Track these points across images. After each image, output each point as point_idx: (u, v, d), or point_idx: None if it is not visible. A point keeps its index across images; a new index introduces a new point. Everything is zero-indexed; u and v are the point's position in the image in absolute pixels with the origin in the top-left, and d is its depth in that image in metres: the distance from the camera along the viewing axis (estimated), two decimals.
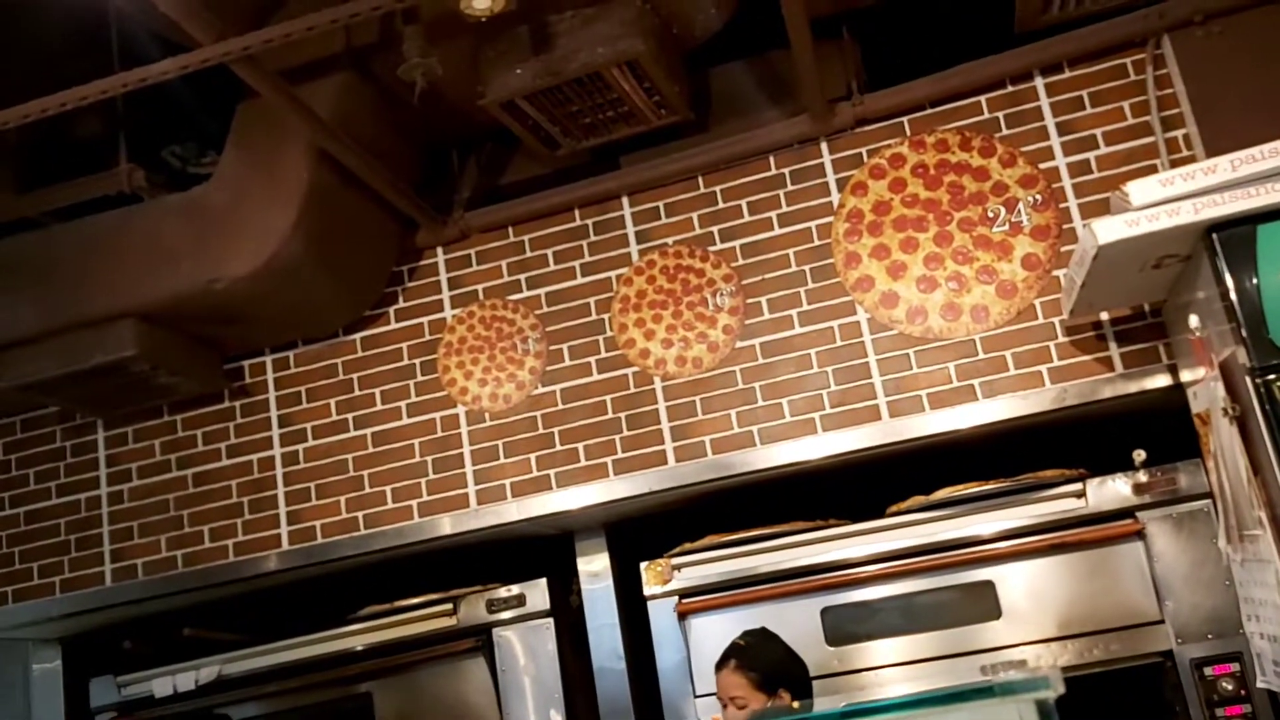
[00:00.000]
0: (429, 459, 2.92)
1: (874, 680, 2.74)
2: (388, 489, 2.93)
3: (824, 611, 2.79)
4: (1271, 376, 1.92)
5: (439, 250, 3.03)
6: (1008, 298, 2.64)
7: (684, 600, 2.86)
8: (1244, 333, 1.91)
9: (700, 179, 2.88)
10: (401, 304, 3.03)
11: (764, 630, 2.56)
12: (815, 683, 2.60)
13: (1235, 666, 2.47)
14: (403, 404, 2.95)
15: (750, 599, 2.82)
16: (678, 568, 2.88)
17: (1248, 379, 1.99)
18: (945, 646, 2.72)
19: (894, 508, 2.77)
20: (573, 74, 2.51)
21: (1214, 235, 2.07)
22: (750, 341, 2.77)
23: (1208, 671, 2.51)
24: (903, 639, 2.75)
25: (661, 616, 2.88)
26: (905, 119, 2.78)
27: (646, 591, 2.88)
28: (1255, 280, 1.97)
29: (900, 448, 2.72)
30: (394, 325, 3.02)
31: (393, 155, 2.84)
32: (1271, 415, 1.90)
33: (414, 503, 2.91)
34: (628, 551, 3.05)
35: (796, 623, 2.75)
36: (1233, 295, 2.03)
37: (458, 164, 3.11)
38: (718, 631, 2.73)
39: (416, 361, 2.98)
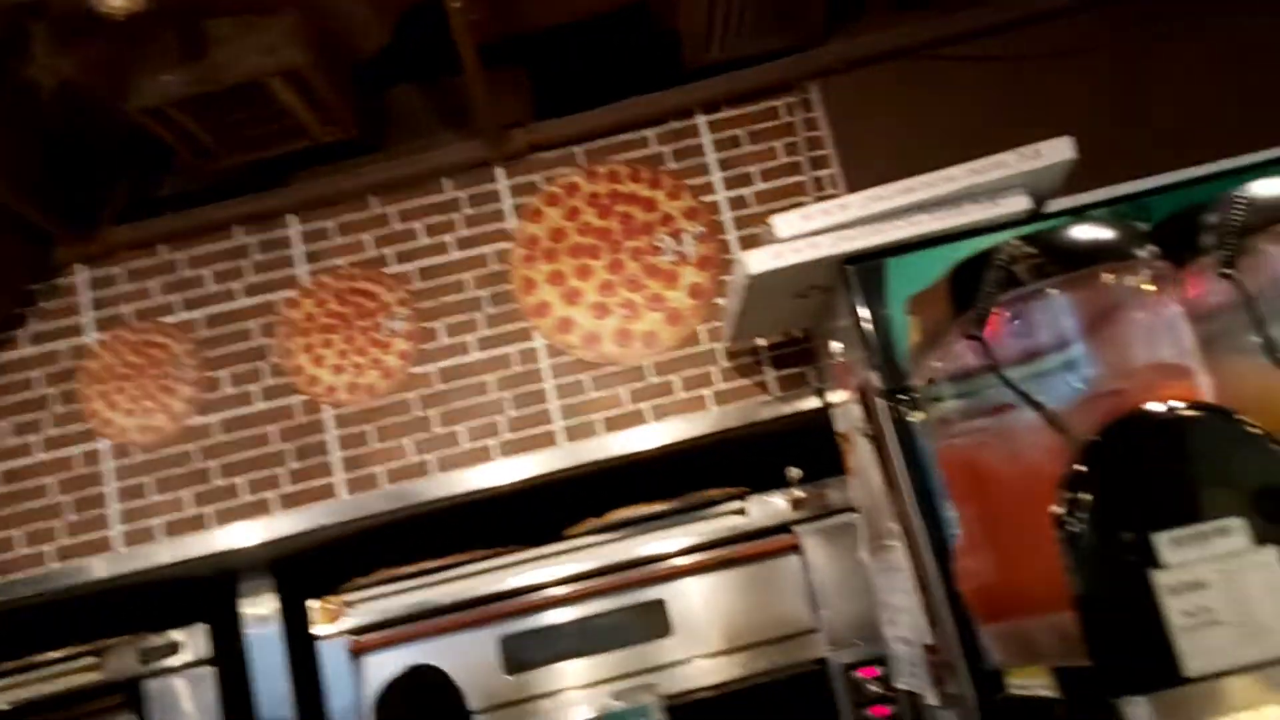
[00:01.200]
0: (68, 498, 2.65)
1: (553, 706, 2.74)
2: (17, 532, 2.63)
3: (502, 640, 2.76)
4: (900, 399, 2.08)
5: (81, 268, 2.76)
6: (676, 325, 2.73)
7: (357, 638, 2.75)
8: (876, 358, 2.06)
9: (374, 199, 2.79)
10: (35, 327, 2.74)
11: (413, 673, 2.49)
12: (496, 713, 2.58)
13: (881, 669, 2.66)
14: (34, 438, 2.67)
15: (426, 632, 2.75)
16: (350, 604, 2.76)
17: (880, 401, 2.15)
18: (622, 666, 2.77)
19: (569, 531, 2.80)
20: (230, 82, 2.36)
21: (849, 267, 2.23)
22: (426, 367, 2.71)
23: (856, 675, 2.69)
24: (581, 661, 2.77)
25: (333, 657, 2.75)
26: (579, 148, 2.82)
27: (316, 631, 2.75)
28: (885, 310, 2.13)
29: (577, 472, 2.75)
30: (25, 350, 2.73)
31: (24, 162, 2.57)
32: (900, 435, 2.05)
33: (49, 547, 2.62)
34: (299, 590, 2.90)
35: (474, 653, 2.71)
36: (865, 324, 2.19)
37: (106, 176, 2.86)
38: (394, 669, 2.64)
39: (52, 391, 2.70)
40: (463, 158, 2.78)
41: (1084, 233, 1.20)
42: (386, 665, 2.70)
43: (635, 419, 2.70)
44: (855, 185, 2.66)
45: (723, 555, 2.77)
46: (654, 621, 2.77)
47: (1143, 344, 1.16)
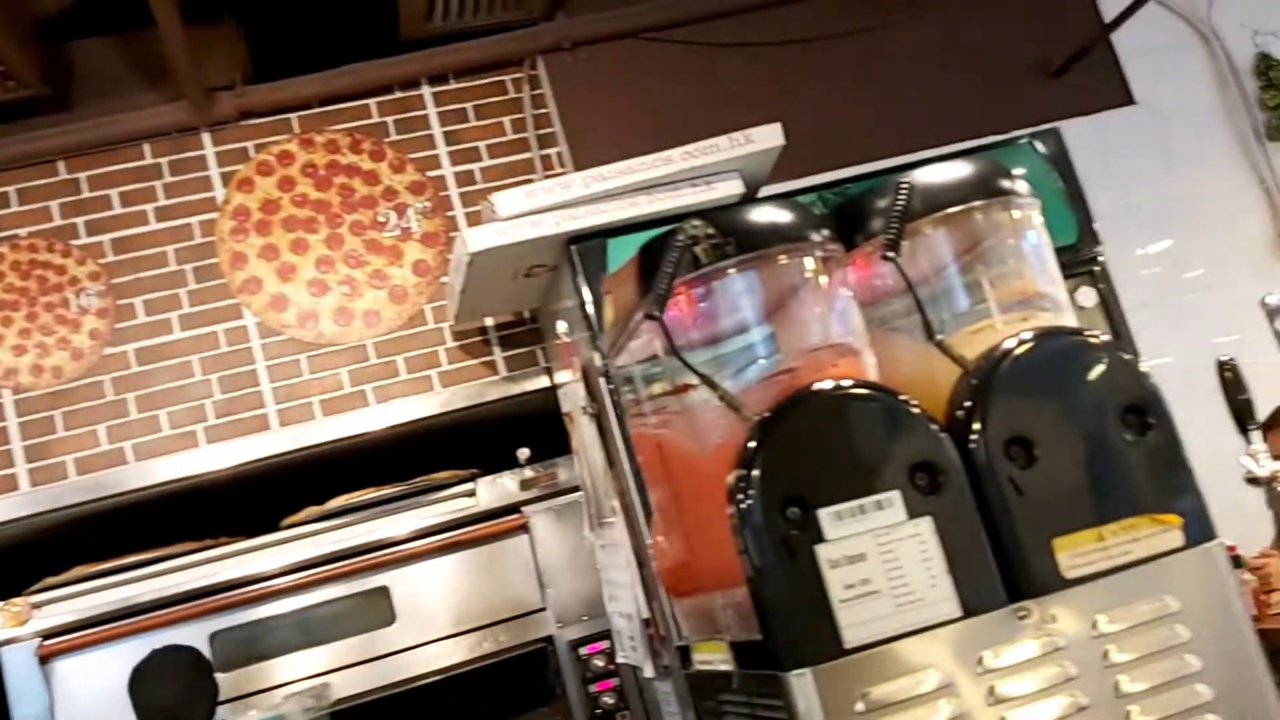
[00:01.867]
0: None
1: (269, 701, 2.60)
2: None
3: (212, 637, 2.60)
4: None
5: None
6: (399, 303, 2.64)
7: (46, 642, 2.51)
8: (597, 338, 2.06)
9: (61, 164, 2.54)
10: None
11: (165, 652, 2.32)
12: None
13: (606, 644, 2.68)
14: None
15: (126, 632, 2.54)
16: (38, 606, 2.52)
17: (601, 381, 2.15)
18: (343, 657, 2.67)
19: (288, 520, 2.66)
20: None
21: (572, 247, 2.21)
22: (122, 348, 2.50)
23: (582, 651, 2.70)
24: (300, 655, 2.64)
25: (19, 664, 2.51)
26: (294, 115, 2.67)
27: None
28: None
29: (294, 457, 2.61)
30: None
31: None
32: (619, 414, 2.06)
33: None
34: None
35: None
36: (588, 304, 2.18)
37: None
38: (89, 674, 2.44)
39: None
40: (165, 121, 2.57)
41: (762, 215, 1.22)
42: (81, 671, 2.49)
43: (356, 401, 2.59)
44: (582, 165, 2.64)
45: (451, 539, 2.71)
46: (377, 609, 2.68)
47: (815, 325, 1.20)
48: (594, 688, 2.68)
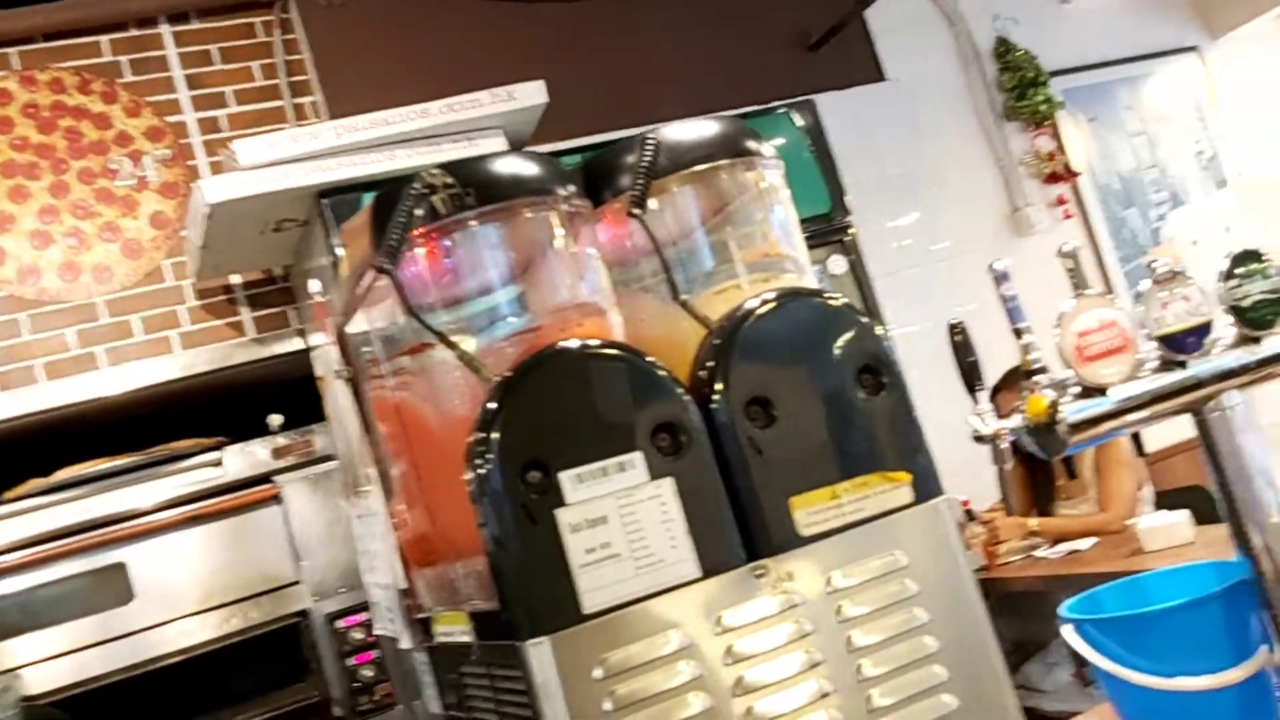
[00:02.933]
0: None
1: None
2: None
3: None
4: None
5: None
6: (134, 258, 2.43)
7: None
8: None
9: None
10: None
11: None
12: None
13: (365, 616, 2.58)
14: None
15: None
16: None
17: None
18: (77, 639, 2.46)
19: (7, 495, 2.42)
20: None
21: (324, 201, 2.08)
22: None
23: (340, 624, 2.59)
24: (24, 639, 2.42)
25: None
26: (14, 50, 2.40)
27: None
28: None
29: (15, 425, 2.38)
30: None
31: None
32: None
33: None
34: None
35: None
36: (341, 262, 2.06)
37: None
38: None
39: None
40: None
41: (505, 166, 1.16)
42: None
43: (85, 364, 2.38)
44: (339, 115, 2.50)
45: (195, 511, 2.53)
46: (114, 587, 2.48)
47: (561, 283, 1.15)
48: (353, 661, 2.57)
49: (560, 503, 1.02)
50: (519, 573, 1.01)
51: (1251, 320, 1.25)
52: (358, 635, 2.58)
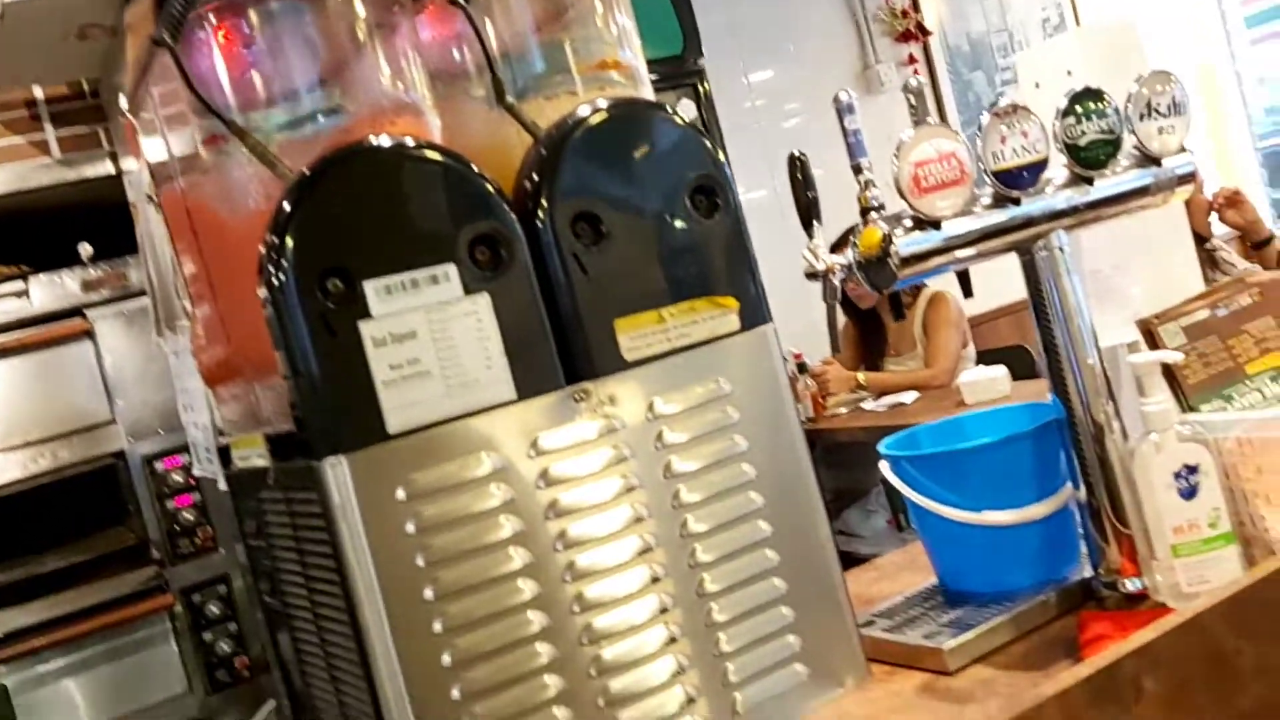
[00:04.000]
0: None
1: None
2: None
3: None
4: None
5: None
6: None
7: None
8: None
9: None
10: None
11: None
12: None
13: (185, 458, 2.45)
14: None
15: None
16: None
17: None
18: None
19: None
20: None
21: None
22: None
23: (159, 466, 2.45)
24: None
25: None
26: None
27: None
28: None
29: None
30: None
31: None
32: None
33: None
34: None
35: None
36: None
37: None
38: None
39: None
40: None
41: None
42: None
43: None
44: None
45: None
46: None
47: (373, 76, 1.03)
48: (172, 504, 2.44)
49: (364, 315, 0.93)
50: (316, 389, 0.92)
51: (1085, 160, 1.23)
52: (177, 478, 2.44)
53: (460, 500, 0.95)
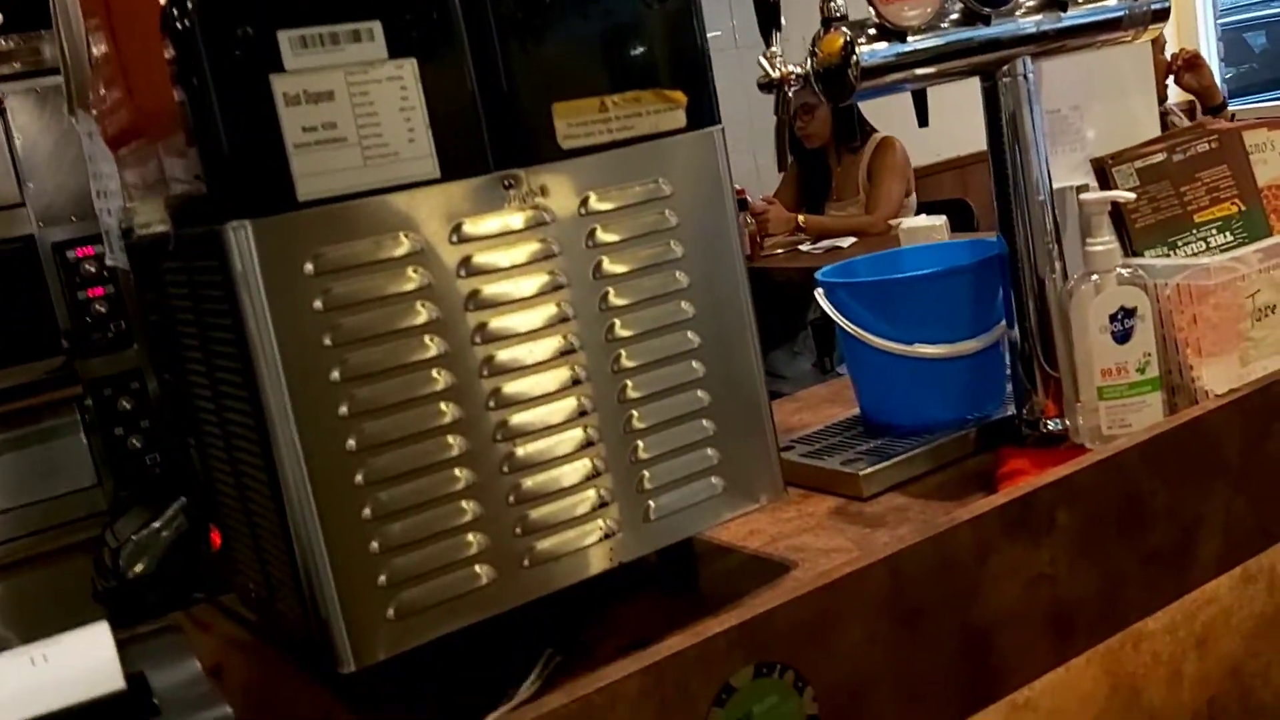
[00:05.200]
0: None
1: None
2: None
3: None
4: None
5: None
6: None
7: None
8: None
9: None
10: None
11: None
12: None
13: (98, 248, 2.33)
14: None
15: None
16: None
17: None
18: None
19: None
20: None
21: None
22: None
23: (70, 254, 2.33)
24: None
25: None
26: None
27: None
28: None
29: None
30: None
31: None
32: None
33: None
34: None
35: None
36: None
37: None
38: None
39: None
40: None
41: None
42: None
43: None
44: None
45: None
46: None
47: None
48: (84, 294, 2.34)
49: (277, 68, 0.84)
50: (221, 149, 0.83)
51: None
52: (90, 268, 2.33)
53: (373, 280, 0.88)
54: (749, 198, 3.20)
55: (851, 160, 3.24)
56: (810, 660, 0.90)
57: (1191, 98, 3.29)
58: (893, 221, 3.04)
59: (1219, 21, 5.07)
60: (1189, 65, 3.19)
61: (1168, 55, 3.20)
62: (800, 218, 3.21)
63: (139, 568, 1.66)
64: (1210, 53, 5.01)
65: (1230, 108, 3.36)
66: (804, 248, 3.17)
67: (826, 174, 3.34)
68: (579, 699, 0.80)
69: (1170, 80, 3.22)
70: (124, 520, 2.02)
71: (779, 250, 3.22)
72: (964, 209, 3.11)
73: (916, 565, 0.95)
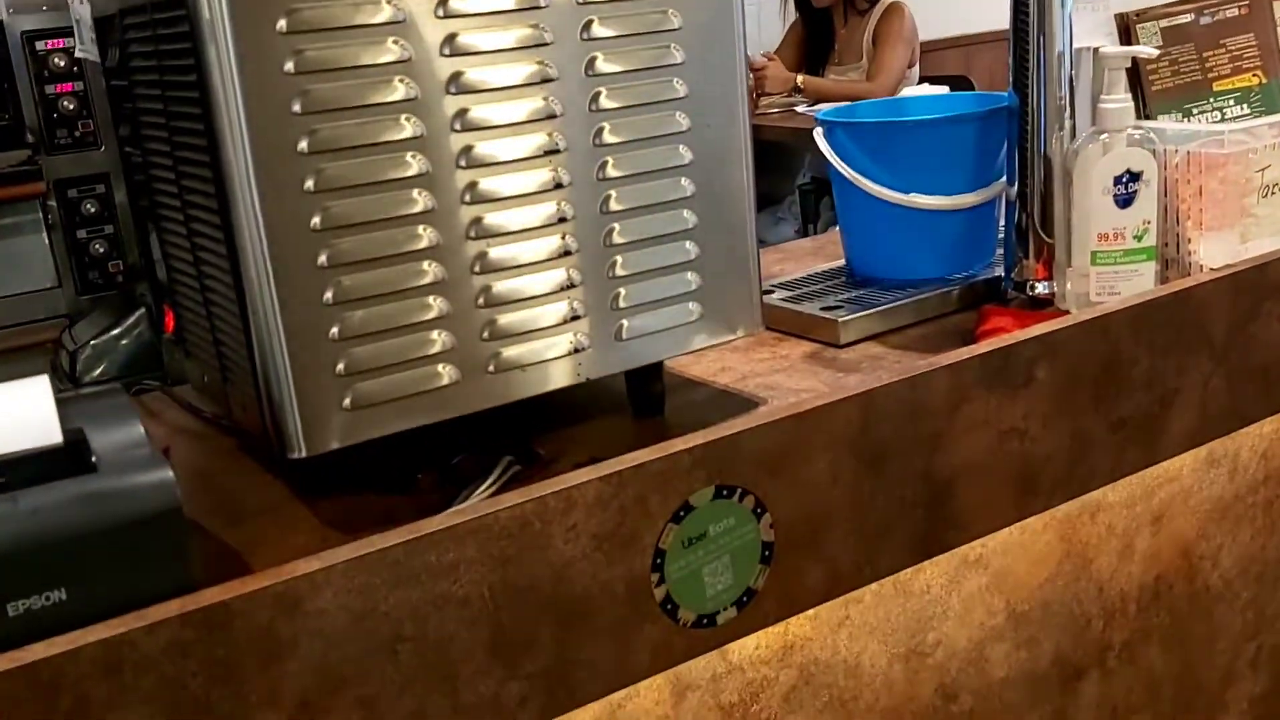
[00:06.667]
0: None
1: None
2: None
3: None
4: None
5: None
6: None
7: None
8: None
9: None
10: None
11: None
12: None
13: (69, 41, 2.21)
14: None
15: None
16: None
17: None
18: None
19: None
20: None
21: None
22: None
23: (40, 46, 2.21)
24: None
25: None
26: None
27: None
28: None
29: None
30: None
31: None
32: None
33: None
34: None
35: None
36: None
37: None
38: None
39: None
40: None
41: None
42: None
43: None
44: None
45: None
46: None
47: None
48: (52, 89, 2.23)
49: None
50: None
51: None
52: (59, 61, 2.21)
53: (349, 49, 0.82)
54: (749, 54, 3.09)
55: (858, 22, 3.12)
56: (771, 489, 0.88)
57: None
58: (893, 94, 2.95)
59: None
60: None
61: None
62: (799, 78, 3.11)
63: (96, 372, 1.62)
64: None
65: None
66: (800, 109, 3.07)
67: (830, 35, 3.22)
68: (535, 499, 0.78)
69: None
70: (83, 324, 1.97)
71: (774, 110, 3.12)
72: (965, 85, 3.01)
73: (888, 406, 0.93)
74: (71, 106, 2.22)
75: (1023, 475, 1.03)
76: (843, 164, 1.22)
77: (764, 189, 3.14)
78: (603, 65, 0.92)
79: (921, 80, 3.10)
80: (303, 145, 0.81)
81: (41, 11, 2.21)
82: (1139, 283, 1.12)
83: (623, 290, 0.97)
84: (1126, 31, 1.16)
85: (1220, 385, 1.14)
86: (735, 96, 0.99)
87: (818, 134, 1.25)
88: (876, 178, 1.20)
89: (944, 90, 2.48)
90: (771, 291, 1.27)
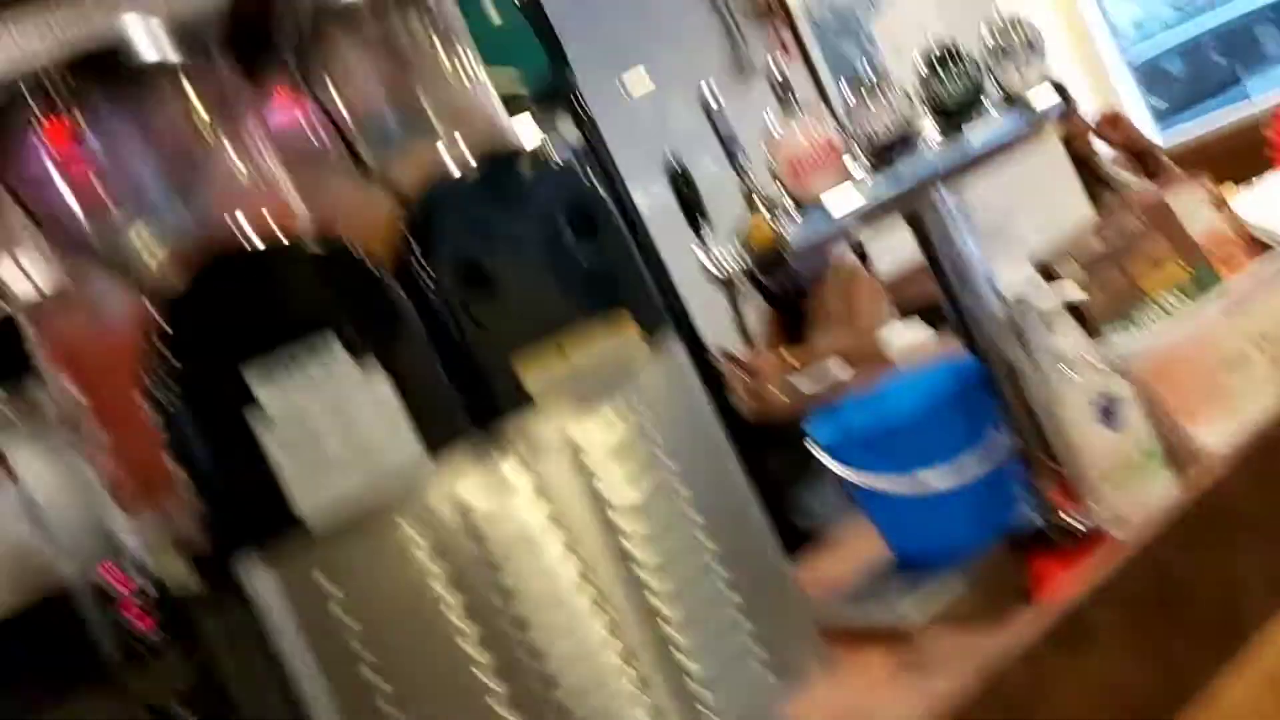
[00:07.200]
0: None
1: None
2: None
3: None
4: None
5: None
6: None
7: None
8: None
9: None
10: None
11: None
12: None
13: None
14: None
15: None
16: None
17: None
18: None
19: None
20: None
21: None
22: None
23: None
24: None
25: None
26: None
27: None
28: None
29: None
30: None
31: None
32: None
33: None
34: None
35: None
36: None
37: None
38: None
39: None
40: None
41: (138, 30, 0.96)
42: None
43: None
44: None
45: None
46: None
47: (226, 171, 0.99)
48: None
49: (256, 408, 0.89)
50: (225, 494, 0.89)
51: (954, 117, 1.23)
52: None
53: (392, 581, 0.92)
54: (736, 354, 3.25)
55: (819, 288, 3.30)
56: None
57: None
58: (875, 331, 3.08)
59: (1129, 60, 5.23)
60: (1109, 123, 3.30)
61: (1090, 119, 3.30)
62: (786, 355, 3.25)
63: None
64: (1128, 90, 5.16)
65: (1161, 142, 3.40)
66: (801, 385, 3.18)
67: (800, 306, 3.39)
68: None
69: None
70: None
71: (784, 397, 3.23)
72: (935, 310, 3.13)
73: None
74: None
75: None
76: (848, 470, 1.30)
77: (797, 459, 3.21)
78: (606, 493, 1.02)
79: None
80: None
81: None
82: (1160, 486, 1.17)
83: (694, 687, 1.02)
84: (1049, 276, 1.26)
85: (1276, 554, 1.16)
86: (732, 480, 1.08)
87: (811, 445, 1.34)
88: (881, 469, 1.28)
89: (928, 334, 2.61)
90: (829, 604, 1.31)
